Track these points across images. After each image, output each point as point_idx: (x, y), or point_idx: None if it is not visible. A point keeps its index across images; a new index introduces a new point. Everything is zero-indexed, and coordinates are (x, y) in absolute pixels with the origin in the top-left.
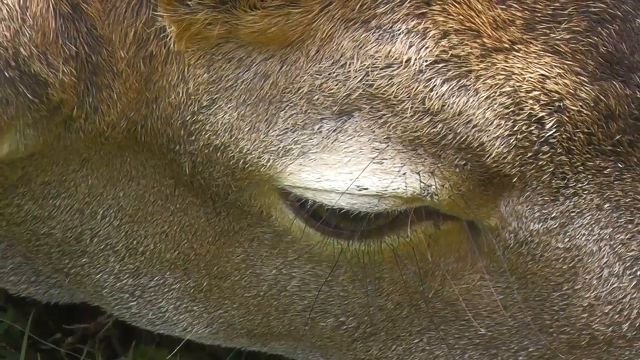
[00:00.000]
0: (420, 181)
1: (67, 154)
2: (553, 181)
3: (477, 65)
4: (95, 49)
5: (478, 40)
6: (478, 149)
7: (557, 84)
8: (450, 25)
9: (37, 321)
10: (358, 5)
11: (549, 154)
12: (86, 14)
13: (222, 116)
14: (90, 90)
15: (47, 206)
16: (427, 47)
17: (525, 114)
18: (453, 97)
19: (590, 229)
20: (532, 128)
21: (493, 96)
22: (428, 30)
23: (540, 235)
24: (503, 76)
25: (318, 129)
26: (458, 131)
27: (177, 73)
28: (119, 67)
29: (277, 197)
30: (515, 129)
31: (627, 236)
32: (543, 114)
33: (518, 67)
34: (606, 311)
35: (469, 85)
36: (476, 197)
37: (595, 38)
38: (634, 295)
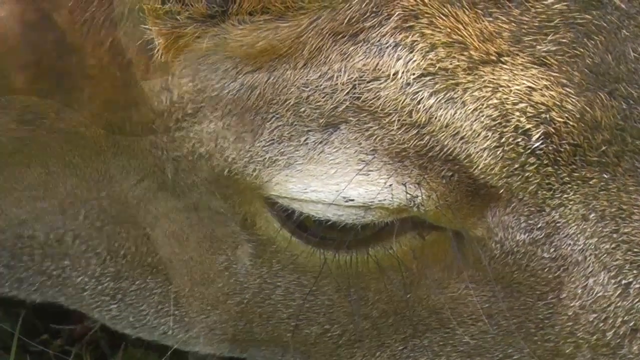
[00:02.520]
0: (407, 192)
1: (46, 155)
2: (539, 192)
3: (464, 77)
4: (63, 56)
5: (465, 53)
6: (465, 161)
7: (543, 95)
8: (438, 38)
9: (25, 322)
10: (346, 19)
11: (535, 165)
12: (55, 23)
13: (207, 125)
14: (57, 91)
15: (30, 208)
16: (414, 60)
17: (512, 126)
18: (440, 109)
19: (575, 239)
20: (519, 140)
21: (480, 108)
22: (416, 43)
23: (526, 245)
24: (490, 88)
25: (304, 140)
26: (445, 143)
27: (159, 82)
28: (90, 73)
29: (262, 205)
30: (502, 140)
31: (612, 245)
32: (530, 125)
33: (504, 79)
34: (591, 319)
35: (456, 97)
36: (463, 208)
37: (581, 49)
38: (618, 304)
